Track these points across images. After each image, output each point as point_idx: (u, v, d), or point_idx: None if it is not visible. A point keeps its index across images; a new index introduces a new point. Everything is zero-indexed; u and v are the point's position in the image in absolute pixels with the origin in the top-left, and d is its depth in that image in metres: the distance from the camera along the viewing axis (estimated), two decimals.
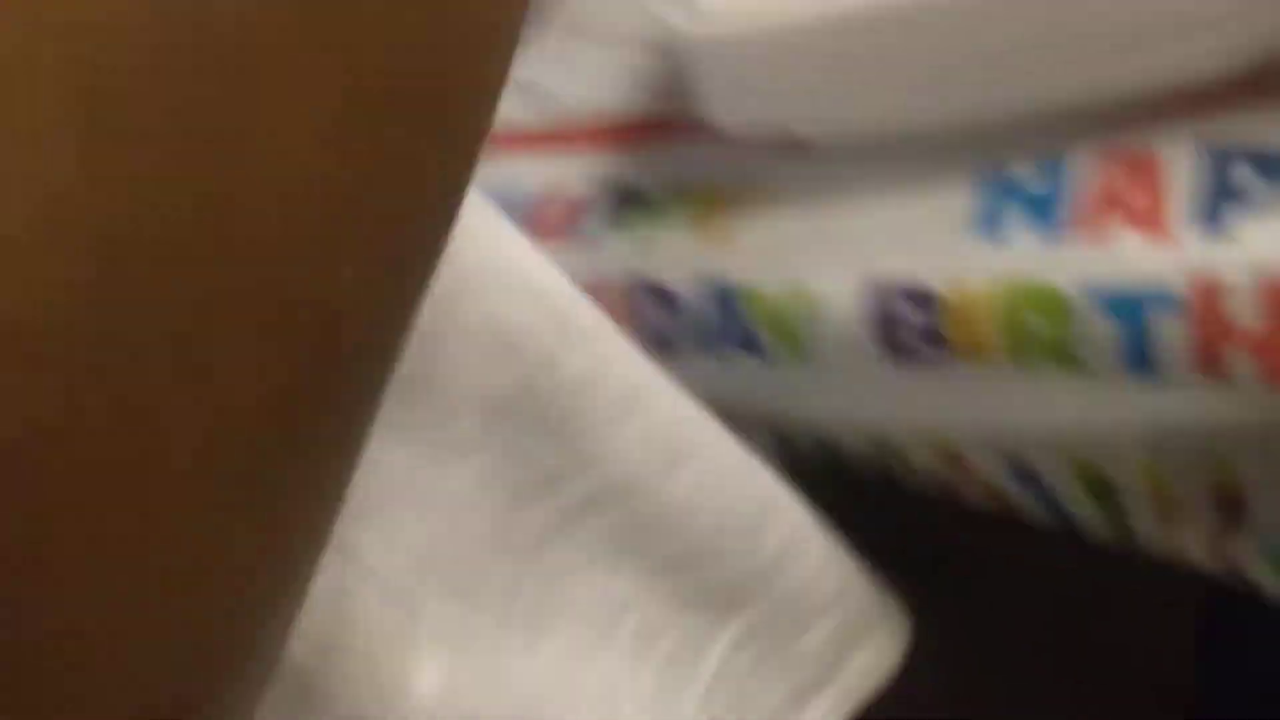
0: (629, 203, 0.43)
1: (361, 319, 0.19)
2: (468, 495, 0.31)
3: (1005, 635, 0.41)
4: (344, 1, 0.17)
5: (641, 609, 0.34)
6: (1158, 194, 0.36)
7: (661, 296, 0.41)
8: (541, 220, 0.43)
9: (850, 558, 0.37)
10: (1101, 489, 0.38)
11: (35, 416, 0.16)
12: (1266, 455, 0.36)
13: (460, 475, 0.31)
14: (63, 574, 0.17)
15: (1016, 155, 0.38)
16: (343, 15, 0.17)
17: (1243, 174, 0.36)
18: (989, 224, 0.37)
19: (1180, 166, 0.36)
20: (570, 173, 0.44)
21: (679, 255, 0.41)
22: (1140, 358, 0.36)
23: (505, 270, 0.32)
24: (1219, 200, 0.36)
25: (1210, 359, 0.35)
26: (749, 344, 0.40)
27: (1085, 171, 0.37)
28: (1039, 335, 0.36)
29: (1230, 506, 0.37)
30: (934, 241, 0.38)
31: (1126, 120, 0.37)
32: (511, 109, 0.45)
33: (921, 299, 0.37)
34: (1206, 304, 0.35)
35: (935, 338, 0.37)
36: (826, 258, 0.39)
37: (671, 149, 0.43)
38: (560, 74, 0.46)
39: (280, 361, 0.18)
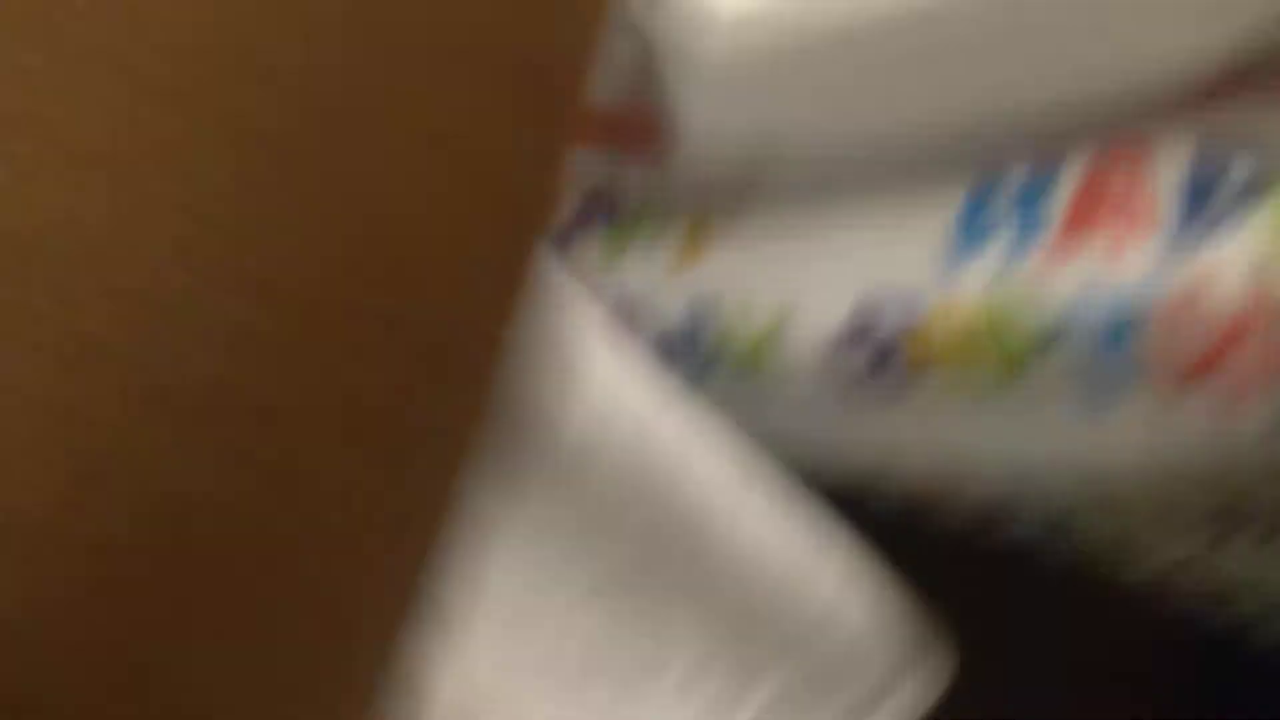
0: (605, 209, 0.42)
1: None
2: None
3: (1033, 664, 0.41)
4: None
5: (691, 650, 0.34)
6: (1138, 210, 0.36)
7: (634, 310, 0.40)
8: None
9: (895, 596, 0.37)
10: (1065, 517, 0.38)
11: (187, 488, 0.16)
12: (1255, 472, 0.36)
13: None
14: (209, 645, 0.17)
15: (1001, 170, 0.37)
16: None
17: (1225, 187, 0.35)
18: (967, 243, 0.37)
19: (1164, 177, 0.36)
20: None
21: (654, 269, 0.40)
22: (1112, 379, 0.35)
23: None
24: (1198, 215, 0.35)
25: (1174, 379, 0.35)
26: (717, 362, 0.39)
27: (1066, 188, 0.36)
28: (1010, 355, 0.36)
29: (1229, 519, 0.37)
30: (912, 260, 0.37)
31: (1117, 123, 0.36)
32: None
33: (898, 318, 0.37)
34: (1175, 327, 0.34)
35: (901, 359, 0.37)
36: (800, 276, 0.39)
37: (650, 154, 0.42)
38: None
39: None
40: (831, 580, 0.35)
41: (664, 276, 0.41)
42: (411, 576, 0.19)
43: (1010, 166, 0.37)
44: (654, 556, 0.33)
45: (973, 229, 0.37)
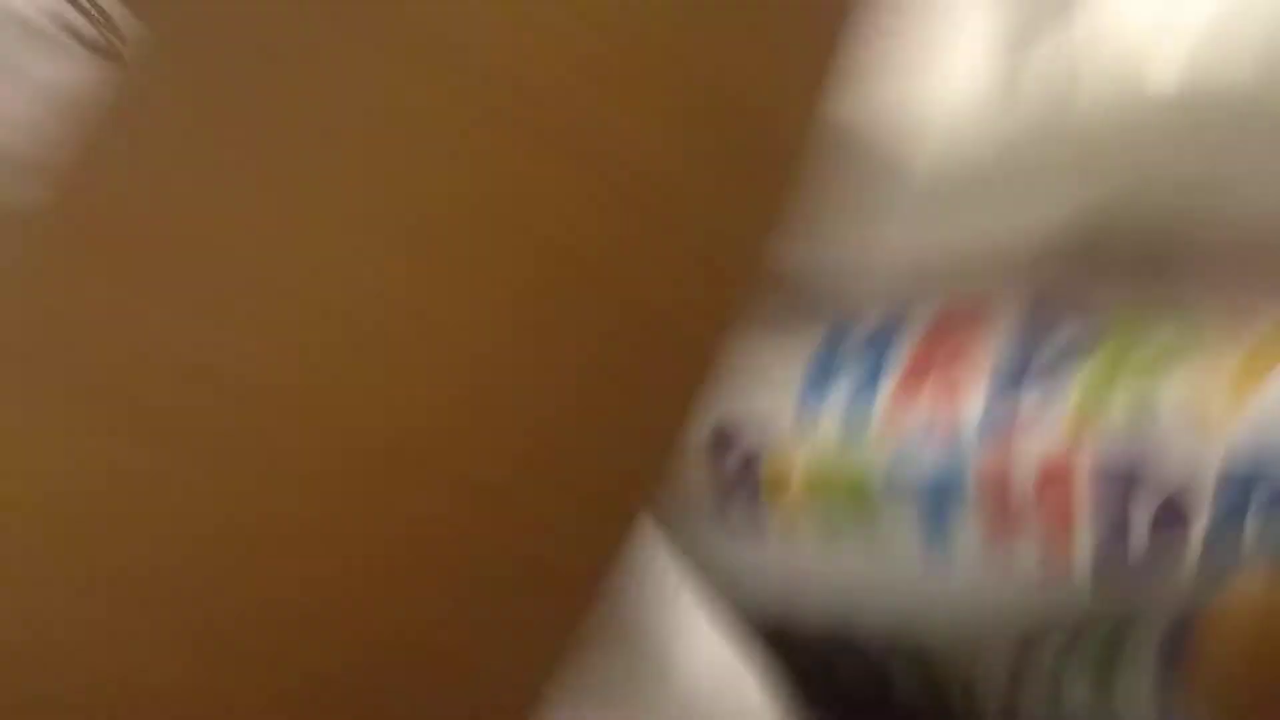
0: None
1: None
2: None
3: None
4: None
5: None
6: (970, 363, 0.37)
7: None
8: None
9: None
10: (920, 653, 0.39)
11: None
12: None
13: None
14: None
15: (856, 313, 0.38)
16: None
17: (1048, 346, 0.37)
18: (819, 381, 0.38)
19: (996, 334, 0.37)
20: None
21: None
22: (946, 523, 0.37)
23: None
24: (1023, 368, 0.37)
25: (1000, 523, 0.36)
26: None
27: (910, 337, 0.38)
28: (855, 494, 0.37)
29: (1068, 653, 0.38)
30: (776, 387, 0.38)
31: (960, 280, 0.37)
32: None
33: (756, 439, 0.38)
34: (999, 475, 0.36)
35: (758, 477, 0.38)
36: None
37: None
38: None
39: None
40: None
41: None
42: None
43: (865, 310, 0.38)
44: None
45: (825, 369, 0.38)
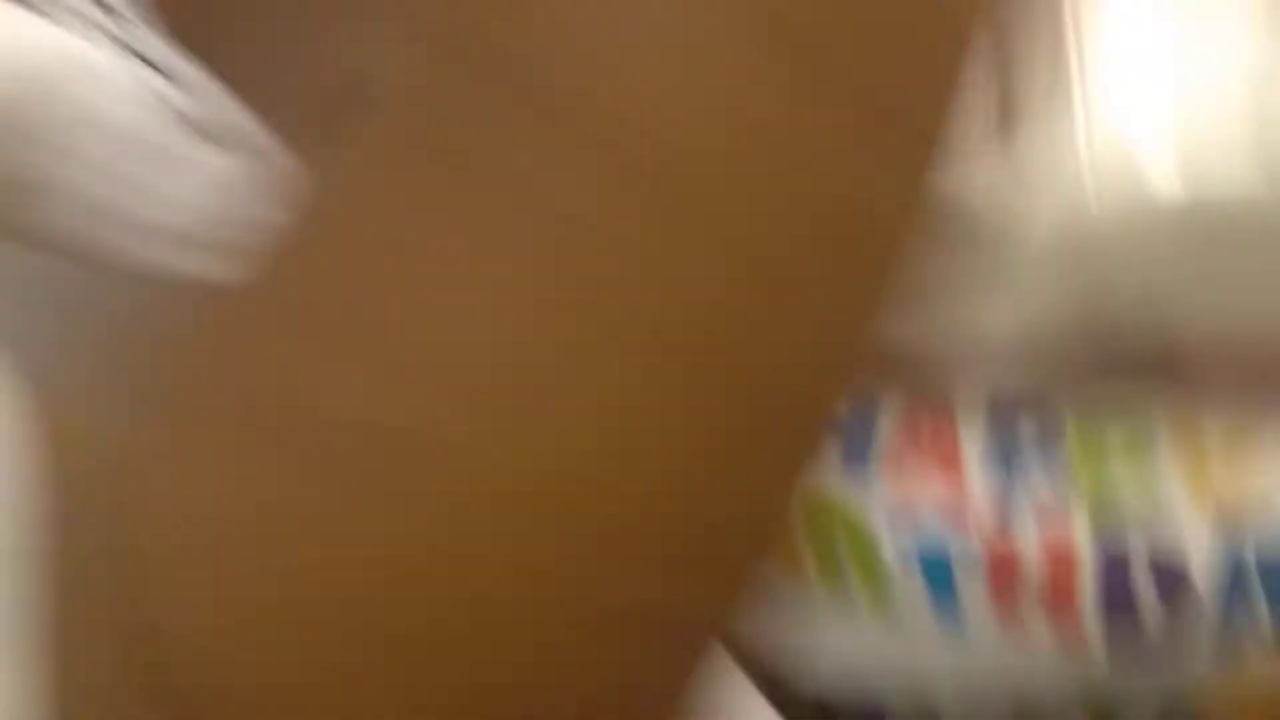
0: None
1: None
2: None
3: None
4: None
5: None
6: (955, 444, 0.38)
7: None
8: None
9: None
10: None
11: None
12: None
13: None
14: None
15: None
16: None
17: (1027, 430, 0.38)
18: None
19: (967, 430, 0.38)
20: None
21: None
22: (953, 605, 0.38)
23: None
24: (1009, 452, 0.38)
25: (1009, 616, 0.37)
26: None
27: (884, 431, 0.38)
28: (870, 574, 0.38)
29: None
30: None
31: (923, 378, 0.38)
32: None
33: None
34: (1003, 566, 0.37)
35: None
36: None
37: None
38: None
39: None
40: None
41: None
42: None
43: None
44: None
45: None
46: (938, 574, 0.38)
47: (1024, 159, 0.37)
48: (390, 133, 0.20)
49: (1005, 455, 0.38)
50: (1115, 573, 0.37)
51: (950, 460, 0.38)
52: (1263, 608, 0.36)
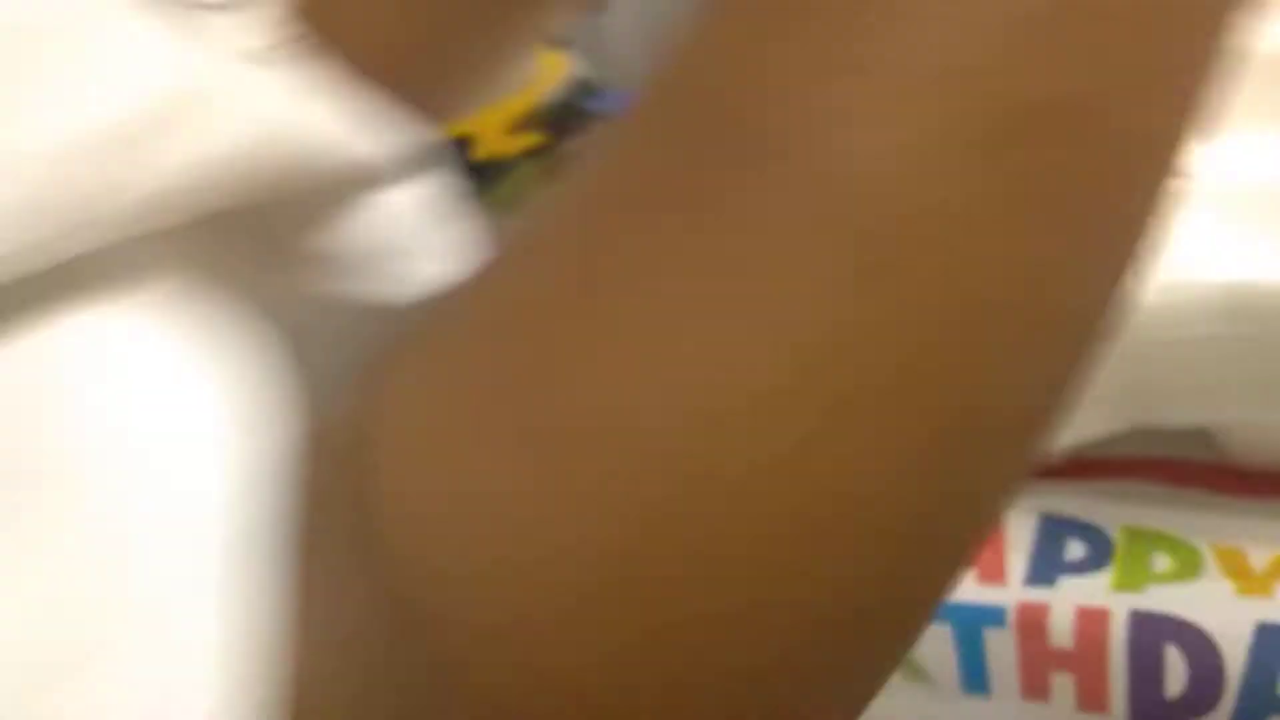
0: None
1: None
2: None
3: None
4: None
5: None
6: (1001, 553, 0.40)
7: None
8: None
9: None
10: None
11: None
12: None
13: None
14: None
15: None
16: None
17: (1071, 544, 0.40)
18: None
19: (1021, 533, 0.40)
20: None
21: None
22: (982, 676, 0.39)
23: None
24: (1051, 562, 0.40)
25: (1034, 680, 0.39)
26: None
27: None
28: None
29: None
30: None
31: None
32: None
33: None
34: (1031, 631, 0.39)
35: None
36: None
37: None
38: None
39: None
40: None
41: None
42: None
43: None
44: None
45: None
46: (967, 630, 0.39)
47: None
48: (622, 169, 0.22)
49: (1049, 566, 0.40)
50: (1150, 641, 0.38)
51: (993, 561, 0.40)
52: None
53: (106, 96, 0.20)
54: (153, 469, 0.20)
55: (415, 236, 0.25)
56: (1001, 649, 0.39)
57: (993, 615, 0.39)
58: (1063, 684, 0.39)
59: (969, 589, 0.39)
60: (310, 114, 0.22)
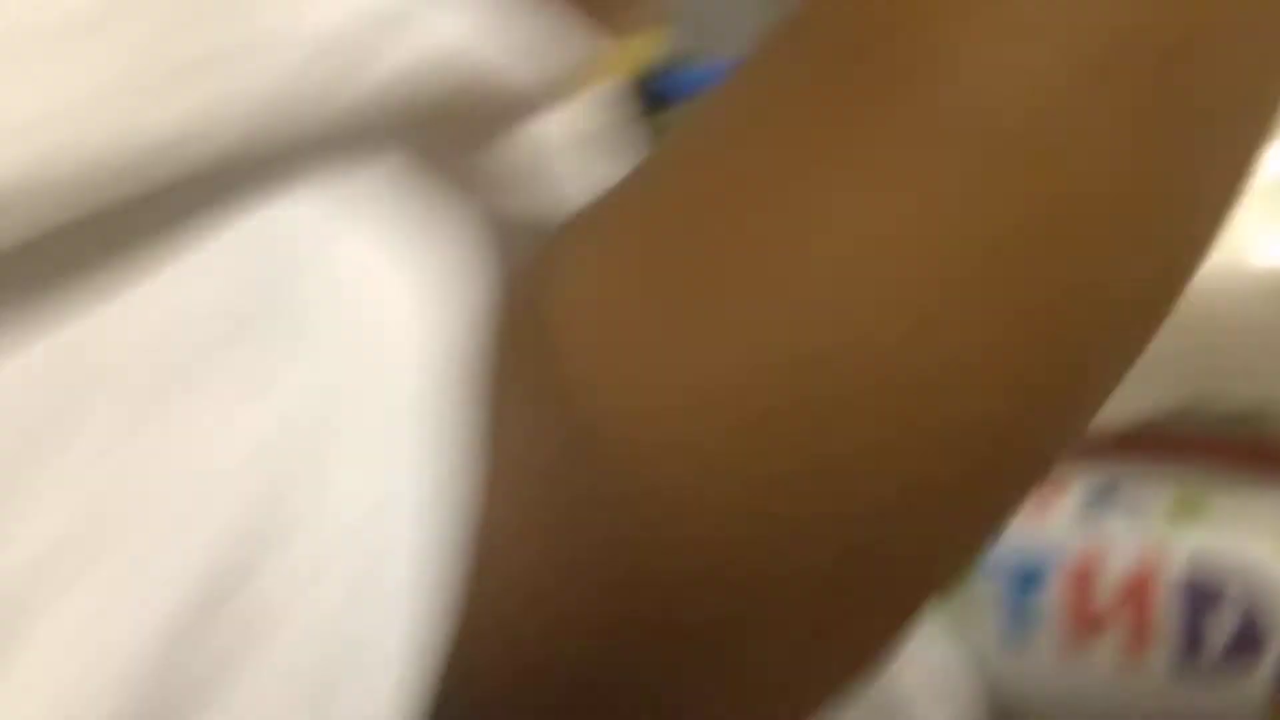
0: None
1: None
2: None
3: None
4: None
5: None
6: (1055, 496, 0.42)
7: None
8: None
9: None
10: None
11: None
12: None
13: None
14: None
15: None
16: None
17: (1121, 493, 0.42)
18: None
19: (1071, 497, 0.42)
20: None
21: None
22: (1025, 618, 0.41)
23: None
24: (1101, 505, 0.41)
25: (1078, 627, 0.40)
26: None
27: None
28: None
29: None
30: None
31: None
32: None
33: None
34: (1079, 583, 0.40)
35: None
36: None
37: None
38: None
39: None
40: None
41: None
42: None
43: None
44: None
45: None
46: (1019, 580, 0.41)
47: None
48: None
49: (1103, 494, 0.41)
50: (1194, 608, 0.39)
51: (1053, 490, 0.42)
52: None
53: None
54: (366, 321, 0.22)
55: (575, 159, 0.28)
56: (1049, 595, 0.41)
57: (1044, 560, 0.41)
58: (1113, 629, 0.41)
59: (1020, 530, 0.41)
60: (483, 43, 0.24)
